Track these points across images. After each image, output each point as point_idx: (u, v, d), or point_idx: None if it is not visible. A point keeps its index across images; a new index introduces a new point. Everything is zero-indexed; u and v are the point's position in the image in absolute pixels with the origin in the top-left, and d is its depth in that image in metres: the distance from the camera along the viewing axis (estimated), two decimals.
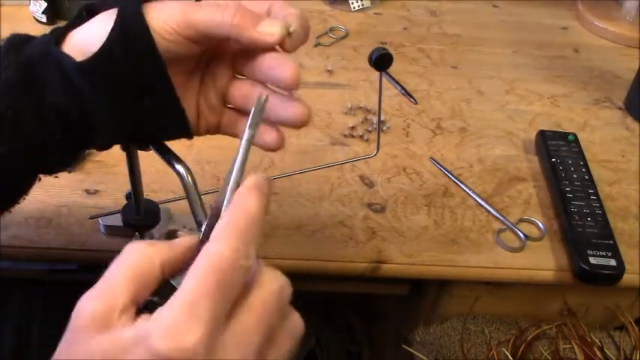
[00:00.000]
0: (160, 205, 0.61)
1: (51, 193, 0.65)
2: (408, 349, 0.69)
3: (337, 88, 0.86)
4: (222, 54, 0.42)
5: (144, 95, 0.39)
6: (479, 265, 0.63)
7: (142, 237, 0.58)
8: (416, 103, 0.84)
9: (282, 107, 0.40)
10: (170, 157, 0.44)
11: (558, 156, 0.73)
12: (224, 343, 0.28)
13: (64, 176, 0.68)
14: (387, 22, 1.02)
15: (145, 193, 0.58)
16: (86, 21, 0.39)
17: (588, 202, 0.67)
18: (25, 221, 0.62)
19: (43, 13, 0.90)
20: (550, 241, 0.66)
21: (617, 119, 0.85)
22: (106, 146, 0.43)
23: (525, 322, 0.70)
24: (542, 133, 0.77)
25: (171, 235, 0.57)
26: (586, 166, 0.72)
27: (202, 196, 0.44)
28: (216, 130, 0.44)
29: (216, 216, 0.32)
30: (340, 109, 0.82)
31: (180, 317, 0.27)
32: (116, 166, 0.69)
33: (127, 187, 0.56)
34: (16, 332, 0.65)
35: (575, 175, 0.71)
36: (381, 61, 0.61)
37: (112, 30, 0.37)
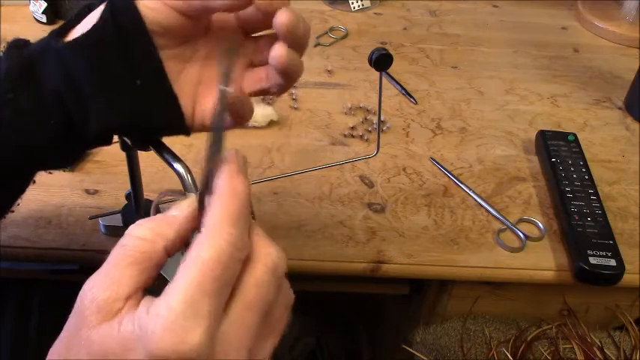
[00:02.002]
0: (160, 206, 0.61)
1: (51, 193, 0.65)
2: (408, 349, 0.69)
3: (337, 88, 0.86)
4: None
5: (135, 78, 0.39)
6: (479, 265, 0.63)
7: None
8: (416, 103, 0.84)
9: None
10: (169, 157, 0.44)
11: (558, 156, 0.73)
12: (223, 334, 0.28)
13: (64, 176, 0.68)
14: (387, 22, 1.02)
15: (145, 193, 0.58)
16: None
17: (588, 202, 0.67)
18: (25, 221, 0.62)
19: (43, 13, 0.90)
20: (550, 241, 0.65)
21: (617, 119, 0.85)
22: (101, 134, 0.41)
23: (525, 322, 0.70)
24: (542, 133, 0.77)
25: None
26: (586, 166, 0.72)
27: None
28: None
29: (205, 184, 0.32)
30: (340, 109, 0.82)
31: (181, 316, 0.26)
32: (116, 166, 0.69)
33: (127, 187, 0.56)
34: (15, 332, 0.65)
35: (575, 175, 0.71)
36: (381, 61, 0.61)
37: (104, 9, 0.38)
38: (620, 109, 0.87)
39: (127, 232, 0.31)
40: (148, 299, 0.29)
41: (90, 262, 0.62)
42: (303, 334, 1.10)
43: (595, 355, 0.64)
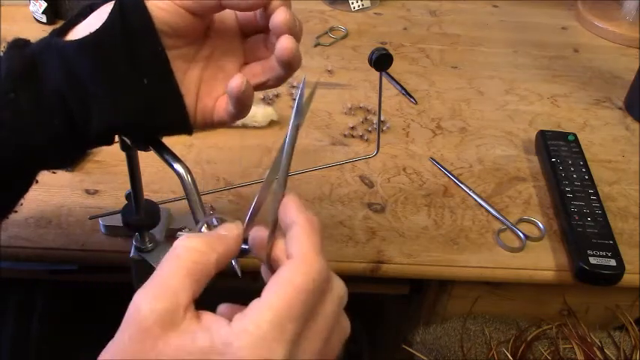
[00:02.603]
0: (160, 205, 0.61)
1: (51, 193, 0.65)
2: (408, 349, 0.69)
3: (337, 88, 0.86)
4: (231, 47, 0.43)
5: (142, 77, 0.39)
6: (479, 265, 0.63)
7: (141, 237, 0.58)
8: (416, 103, 0.84)
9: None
10: (170, 157, 0.44)
11: (558, 156, 0.73)
12: (299, 355, 0.30)
13: (64, 176, 0.68)
14: (387, 22, 1.02)
15: (145, 193, 0.57)
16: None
17: (588, 202, 0.67)
18: (25, 221, 0.62)
19: (43, 13, 0.90)
20: (550, 241, 0.66)
21: (617, 119, 0.85)
22: (104, 133, 0.41)
23: (525, 322, 0.70)
24: (542, 133, 0.77)
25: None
26: (586, 166, 0.72)
27: (202, 196, 0.44)
28: (210, 120, 0.44)
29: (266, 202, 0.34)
30: (340, 109, 0.82)
31: (268, 335, 0.28)
32: (116, 166, 0.69)
33: (127, 187, 0.56)
34: (16, 332, 0.65)
35: (575, 175, 0.71)
36: (381, 61, 0.61)
37: (112, 9, 0.38)
38: (620, 109, 0.87)
39: (177, 243, 0.31)
40: (208, 313, 0.30)
41: (90, 262, 0.62)
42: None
43: (595, 355, 0.64)
